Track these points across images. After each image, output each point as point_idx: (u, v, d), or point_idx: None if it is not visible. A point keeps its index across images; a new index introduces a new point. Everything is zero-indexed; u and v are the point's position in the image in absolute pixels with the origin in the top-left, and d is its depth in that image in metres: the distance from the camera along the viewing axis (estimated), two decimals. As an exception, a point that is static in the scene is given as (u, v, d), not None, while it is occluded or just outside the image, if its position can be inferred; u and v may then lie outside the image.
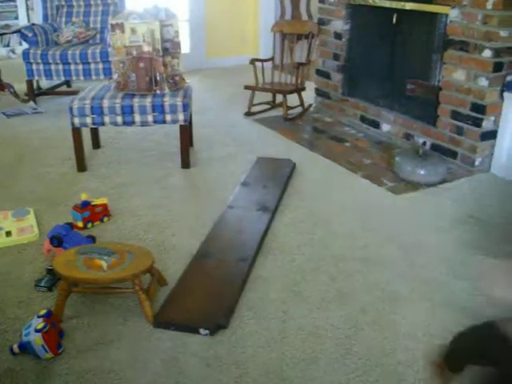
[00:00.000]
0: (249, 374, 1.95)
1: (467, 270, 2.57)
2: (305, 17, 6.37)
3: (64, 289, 2.21)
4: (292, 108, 4.92)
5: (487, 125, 3.55)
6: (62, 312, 2.22)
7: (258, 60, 4.98)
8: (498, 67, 3.43)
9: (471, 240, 2.83)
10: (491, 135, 3.60)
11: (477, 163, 3.64)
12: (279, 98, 4.96)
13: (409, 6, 3.95)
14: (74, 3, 5.55)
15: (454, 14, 3.57)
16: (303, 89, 4.89)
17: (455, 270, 2.56)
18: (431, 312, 2.28)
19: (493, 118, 3.56)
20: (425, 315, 2.26)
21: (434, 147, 3.89)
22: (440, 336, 2.12)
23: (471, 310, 2.28)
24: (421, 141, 3.97)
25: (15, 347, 2.04)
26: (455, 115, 3.70)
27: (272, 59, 5.09)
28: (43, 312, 2.08)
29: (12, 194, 3.39)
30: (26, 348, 2.02)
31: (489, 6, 3.33)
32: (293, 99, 4.94)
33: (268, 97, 5.13)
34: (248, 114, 4.90)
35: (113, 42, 3.57)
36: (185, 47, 6.70)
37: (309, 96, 5.13)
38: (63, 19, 5.54)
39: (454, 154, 3.75)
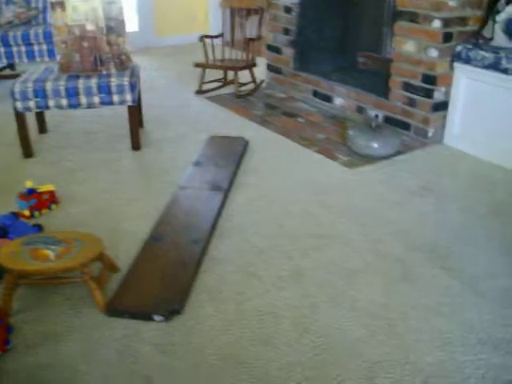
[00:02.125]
0: (206, 360, 1.90)
1: (423, 242, 2.57)
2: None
3: (10, 282, 2.11)
4: (244, 85, 4.84)
5: (438, 96, 3.56)
6: (9, 306, 2.13)
7: (207, 36, 4.86)
8: (447, 38, 3.42)
9: (426, 212, 2.84)
10: (443, 106, 3.61)
11: (430, 134, 3.64)
12: (230, 74, 4.88)
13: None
14: (13, -18, 5.32)
15: (402, -16, 3.54)
16: (254, 65, 4.82)
17: (411, 244, 2.56)
18: (388, 287, 2.27)
19: (444, 89, 3.56)
20: (381, 290, 2.25)
21: (387, 120, 3.88)
22: (398, 310, 2.12)
23: (426, 280, 2.29)
24: (373, 114, 3.96)
25: (-40, 345, 1.95)
26: (407, 87, 3.69)
27: (222, 35, 4.99)
28: (-12, 307, 1.99)
29: (-46, 184, 3.25)
30: (-29, 346, 1.93)
31: (436, -25, 3.31)
32: (244, 76, 4.87)
33: (219, 74, 5.04)
34: (199, 92, 4.80)
35: (54, 20, 3.43)
36: (133, 25, 6.53)
37: (260, 72, 5.07)
38: (2, -1, 5.30)
39: (407, 126, 3.75)
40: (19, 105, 3.44)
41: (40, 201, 2.85)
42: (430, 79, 3.53)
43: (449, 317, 2.09)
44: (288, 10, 4.59)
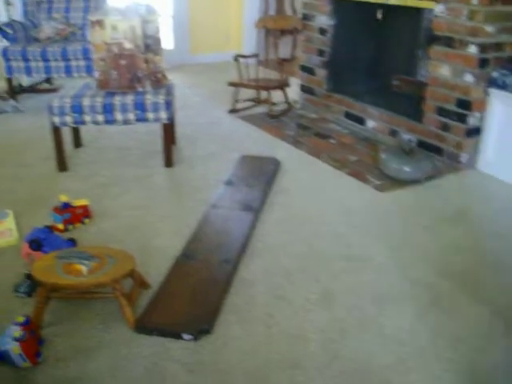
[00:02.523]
0: (234, 381, 1.90)
1: (454, 269, 2.54)
2: (289, 12, 6.31)
3: (43, 295, 2.15)
4: (277, 104, 4.87)
5: (473, 121, 3.53)
6: (41, 319, 2.16)
7: (242, 56, 4.92)
8: (483, 63, 3.41)
9: (457, 238, 2.81)
10: (477, 131, 3.58)
11: (463, 160, 3.61)
12: (264, 94, 4.91)
13: (392, 0, 3.90)
14: (55, -1, 5.46)
15: (439, 9, 3.54)
16: (288, 85, 4.85)
17: (442, 270, 2.53)
18: (417, 314, 2.24)
19: (478, 115, 3.54)
20: (411, 317, 2.22)
21: (420, 144, 3.86)
22: (427, 339, 2.09)
23: (457, 309, 2.26)
24: (406, 137, 3.94)
25: (-8, 356, 1.98)
26: (441, 111, 3.68)
27: (256, 55, 5.03)
28: (21, 319, 2.01)
29: (-9, 195, 3.32)
30: (3, 357, 1.96)
31: (474, 1, 3.30)
32: (277, 96, 4.90)
33: (252, 93, 5.08)
34: (232, 111, 4.84)
35: (93, 39, 3.50)
36: (168, 43, 6.63)
37: (293, 92, 5.09)
38: (43, 15, 5.44)
39: (439, 151, 3.73)
40: (56, 119, 3.52)
41: (74, 215, 2.90)
42: (464, 104, 3.51)
43: (479, 348, 2.05)
44: (323, 31, 4.62)
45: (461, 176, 3.55)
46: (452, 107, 3.59)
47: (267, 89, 4.66)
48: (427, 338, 2.10)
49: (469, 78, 3.45)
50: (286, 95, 4.87)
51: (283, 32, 5.08)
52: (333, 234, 2.85)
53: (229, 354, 2.03)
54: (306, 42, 4.86)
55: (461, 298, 2.33)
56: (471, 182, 3.47)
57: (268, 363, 1.98)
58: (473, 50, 3.38)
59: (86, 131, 4.14)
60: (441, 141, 3.71)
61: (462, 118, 3.54)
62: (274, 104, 4.78)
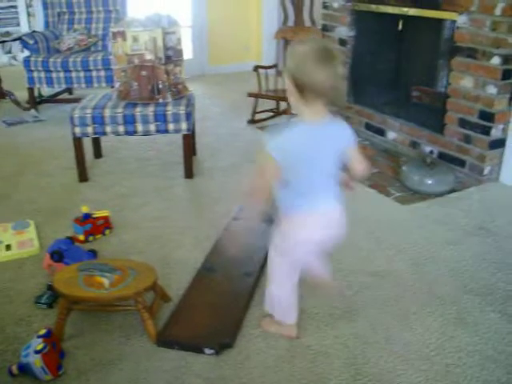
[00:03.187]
0: (256, 397, 1.88)
1: (480, 284, 2.49)
2: (308, 23, 6.30)
3: (64, 307, 2.14)
4: (296, 115, 4.84)
5: (496, 133, 3.49)
6: (62, 331, 2.16)
7: (261, 67, 4.91)
8: (506, 74, 3.36)
9: (482, 253, 2.76)
10: (500, 143, 3.54)
11: (486, 172, 3.57)
12: (283, 105, 4.90)
13: (412, 11, 3.88)
14: (76, 10, 5.50)
15: (461, 20, 3.50)
16: (307, 96, 4.82)
17: (467, 285, 2.49)
18: (443, 329, 2.20)
19: (501, 126, 3.49)
20: (436, 333, 2.18)
21: (441, 156, 3.82)
22: (453, 356, 2.05)
23: (484, 327, 2.21)
24: (428, 149, 3.90)
25: (14, 368, 1.97)
26: (463, 123, 3.63)
27: (275, 66, 5.03)
28: (43, 332, 2.01)
29: (12, 205, 3.34)
30: (25, 369, 1.96)
31: (497, 12, 3.26)
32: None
33: (272, 104, 5.07)
34: (251, 121, 4.84)
35: (114, 50, 3.51)
36: (187, 53, 6.66)
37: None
38: (64, 26, 5.49)
39: (462, 163, 3.68)
40: (77, 130, 3.53)
41: (95, 226, 2.90)
42: (487, 116, 3.47)
43: (507, 366, 2.01)
44: (343, 42, 4.61)
45: (483, 189, 3.51)
46: (474, 119, 3.55)
47: (287, 100, 4.63)
48: (454, 355, 2.06)
49: (492, 89, 3.41)
50: (305, 106, 4.85)
51: (303, 43, 5.06)
52: (355, 247, 2.82)
53: (251, 369, 2.00)
54: (326, 52, 4.84)
55: (489, 314, 2.29)
56: (494, 195, 3.42)
57: (291, 379, 1.96)
58: (496, 61, 3.34)
59: (105, 141, 4.15)
60: (463, 153, 3.67)
61: (484, 130, 3.50)
62: (293, 115, 4.76)
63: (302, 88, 1.72)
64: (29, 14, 7.33)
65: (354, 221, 3.08)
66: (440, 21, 3.79)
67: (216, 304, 2.31)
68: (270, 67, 5.01)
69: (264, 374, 1.98)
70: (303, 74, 1.70)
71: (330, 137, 1.85)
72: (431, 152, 3.88)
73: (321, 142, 1.83)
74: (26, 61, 4.96)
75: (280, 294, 2.11)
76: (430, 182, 3.39)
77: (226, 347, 2.09)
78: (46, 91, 5.66)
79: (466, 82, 3.57)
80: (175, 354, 2.08)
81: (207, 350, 2.06)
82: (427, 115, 4.06)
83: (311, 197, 1.91)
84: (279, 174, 1.85)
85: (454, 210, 3.22)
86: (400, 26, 4.24)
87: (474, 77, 3.51)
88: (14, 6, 7.40)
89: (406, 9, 3.93)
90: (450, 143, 3.76)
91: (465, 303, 2.36)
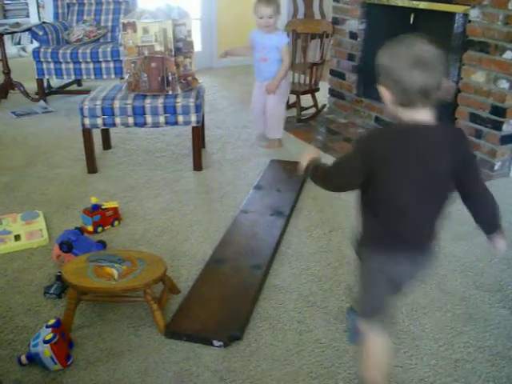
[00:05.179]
0: (264, 390, 1.88)
1: (489, 280, 2.48)
2: (317, 16, 6.28)
3: (73, 297, 2.14)
4: (306, 109, 4.84)
5: (507, 128, 3.46)
6: (71, 321, 2.16)
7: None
8: (519, 69, 3.34)
9: (493, 248, 2.74)
10: (511, 139, 3.51)
11: (496, 167, 3.54)
12: (292, 98, 4.88)
13: (423, 5, 3.85)
14: (85, 1, 5.49)
15: (474, 13, 3.47)
16: (317, 89, 4.81)
17: (476, 281, 2.47)
18: (452, 325, 2.19)
19: (513, 122, 3.47)
20: (446, 328, 2.17)
21: (452, 150, 3.79)
22: (462, 352, 2.04)
23: (494, 323, 2.20)
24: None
25: (23, 358, 1.98)
26: (474, 118, 3.61)
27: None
28: (52, 322, 2.01)
29: (21, 195, 3.34)
30: (34, 359, 1.96)
31: (510, 6, 3.23)
32: (306, 100, 4.86)
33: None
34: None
35: (124, 41, 3.50)
36: (196, 45, 6.63)
37: (323, 97, 5.05)
38: (74, 17, 5.48)
39: (472, 158, 3.66)
40: (87, 121, 3.53)
41: (104, 217, 2.90)
42: (499, 111, 3.44)
43: (518, 362, 2.00)
44: (353, 35, 4.58)
45: (494, 184, 3.47)
46: (486, 114, 3.52)
47: (297, 93, 4.63)
48: (463, 351, 2.05)
49: (504, 84, 3.38)
50: (315, 100, 4.84)
51: (312, 36, 5.04)
52: (364, 241, 2.81)
53: (259, 362, 2.00)
54: (336, 46, 4.83)
55: (498, 310, 2.27)
56: (505, 191, 3.40)
57: (299, 372, 1.96)
58: (508, 55, 3.31)
59: (114, 133, 4.15)
60: (474, 148, 3.64)
61: (496, 125, 3.47)
62: (302, 108, 4.74)
63: None
64: (38, 5, 7.32)
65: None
66: (452, 14, 3.75)
67: (225, 296, 2.31)
68: (279, 60, 4.97)
69: (272, 366, 1.98)
70: None
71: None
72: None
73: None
74: (36, 52, 4.95)
75: None
76: (440, 176, 3.37)
77: (235, 339, 2.09)
78: (55, 82, 5.65)
79: (478, 77, 3.54)
80: (184, 345, 2.08)
81: (216, 342, 2.06)
82: (438, 110, 4.03)
83: None
84: None
85: (464, 206, 3.19)
86: (411, 20, 4.21)
87: (486, 71, 3.48)
88: (24, -3, 7.40)
89: (417, 2, 3.90)
90: (460, 138, 3.73)
91: (474, 299, 2.35)
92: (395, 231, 1.60)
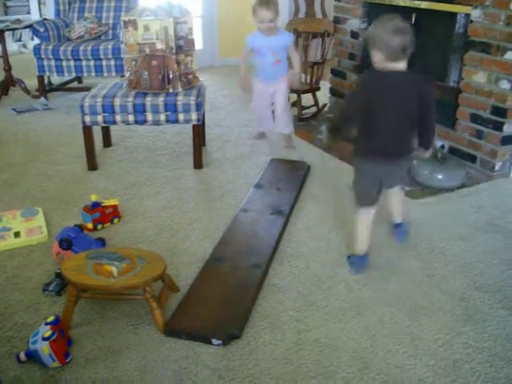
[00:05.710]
0: (263, 389, 1.88)
1: (489, 281, 2.48)
2: (319, 15, 6.26)
3: (72, 295, 2.14)
4: (306, 108, 4.83)
5: (508, 129, 3.45)
6: (70, 319, 2.16)
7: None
8: (520, 70, 3.33)
9: (493, 249, 2.74)
10: (512, 139, 3.51)
11: (497, 168, 3.54)
12: (293, 97, 4.87)
13: (424, 4, 3.84)
14: (87, -2, 5.49)
15: (475, 14, 3.47)
16: (318, 88, 4.80)
17: (476, 282, 2.47)
18: (452, 325, 2.19)
19: (514, 122, 3.46)
20: (445, 329, 2.17)
21: (452, 151, 3.79)
22: (461, 352, 2.04)
23: (493, 324, 2.20)
24: (439, 144, 3.88)
25: (22, 355, 1.98)
26: (475, 118, 3.61)
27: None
28: (51, 319, 2.02)
29: (21, 192, 3.34)
30: (32, 356, 1.96)
31: (513, 6, 3.23)
32: (307, 99, 4.86)
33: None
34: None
35: (125, 39, 3.50)
36: (197, 44, 6.62)
37: (323, 96, 5.04)
38: (75, 15, 5.48)
39: (473, 158, 3.66)
40: (87, 119, 3.53)
41: (103, 214, 2.89)
42: (500, 112, 3.44)
43: (517, 363, 2.00)
44: (354, 34, 4.57)
45: (494, 184, 3.48)
46: (487, 114, 3.52)
47: (297, 92, 4.62)
48: (463, 351, 2.05)
49: (505, 84, 3.37)
50: (315, 99, 4.83)
51: (314, 35, 5.04)
52: (363, 240, 2.81)
53: (258, 360, 2.00)
54: (337, 45, 4.82)
55: (498, 311, 2.27)
56: (505, 191, 3.40)
57: (298, 371, 1.96)
58: (510, 56, 3.30)
59: (114, 130, 4.15)
60: (474, 148, 3.64)
61: (497, 126, 3.47)
62: (303, 107, 4.74)
63: None
64: (40, 2, 7.32)
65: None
66: (453, 14, 3.74)
67: (224, 295, 2.31)
68: (280, 59, 4.97)
69: (271, 365, 1.98)
70: None
71: None
72: (442, 147, 3.85)
73: None
74: (37, 49, 4.95)
75: None
76: (440, 176, 3.37)
77: (234, 338, 2.09)
78: (56, 79, 5.65)
79: (479, 77, 3.54)
80: (183, 343, 2.08)
81: (215, 341, 2.06)
82: (439, 110, 4.01)
83: None
84: None
85: (464, 206, 3.20)
86: (413, 20, 4.20)
87: (487, 72, 3.47)
88: (25, -6, 7.39)
89: (418, 2, 3.89)
90: (461, 138, 3.73)
91: (474, 299, 2.35)
92: (375, 146, 2.35)
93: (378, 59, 2.27)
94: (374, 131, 2.32)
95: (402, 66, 2.28)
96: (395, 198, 2.65)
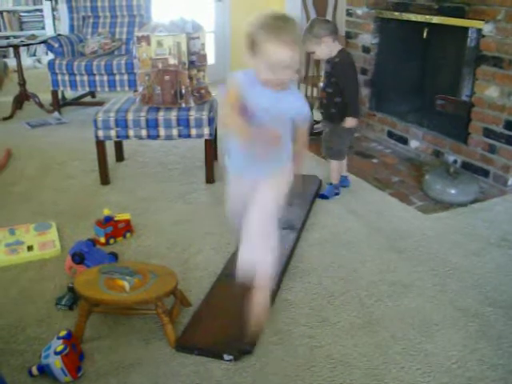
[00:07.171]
0: (275, 405, 1.87)
1: (503, 297, 2.46)
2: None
3: (84, 309, 2.15)
4: (318, 122, 4.83)
5: (521, 143, 3.44)
6: (82, 333, 2.16)
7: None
8: (533, 84, 3.32)
9: (506, 264, 2.72)
10: (525, 154, 3.49)
11: (510, 182, 3.52)
12: (305, 111, 4.88)
13: (436, 19, 3.85)
14: (101, 14, 5.55)
15: (487, 28, 3.47)
16: (329, 103, 4.79)
17: (490, 298, 2.45)
18: (465, 342, 2.17)
19: (527, 137, 3.45)
20: (459, 345, 2.15)
21: (465, 165, 3.78)
22: (476, 369, 2.02)
23: (508, 340, 2.18)
24: (451, 158, 3.87)
25: (34, 369, 1.98)
26: (488, 133, 3.59)
27: (297, 72, 5.00)
28: (63, 333, 2.02)
29: (34, 206, 3.36)
30: (44, 371, 1.97)
31: (525, 21, 3.23)
32: (318, 114, 4.85)
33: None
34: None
35: (139, 54, 3.53)
36: (210, 58, 6.66)
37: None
38: (89, 30, 5.55)
39: (485, 173, 3.64)
40: (101, 133, 3.55)
41: (116, 229, 2.91)
42: (513, 126, 3.43)
43: (532, 381, 1.97)
44: (366, 49, 4.59)
45: (507, 200, 3.46)
46: (500, 129, 3.51)
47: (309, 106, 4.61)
48: (477, 369, 2.02)
49: (518, 99, 3.37)
50: (327, 113, 4.81)
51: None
52: (376, 256, 2.79)
53: (270, 377, 1.99)
54: (349, 60, 4.82)
55: (511, 328, 2.25)
56: (518, 206, 3.38)
57: (310, 388, 1.94)
58: (523, 71, 3.30)
59: (127, 145, 4.17)
60: (487, 163, 3.63)
61: (509, 140, 3.45)
62: (314, 122, 4.75)
63: None
64: (54, 18, 7.42)
65: (374, 228, 3.08)
66: (465, 29, 3.75)
67: (236, 310, 2.30)
68: (292, 73, 4.98)
69: (283, 382, 1.97)
70: None
71: None
72: (455, 161, 3.84)
73: None
74: (51, 63, 5.01)
75: None
76: (452, 191, 3.36)
77: (245, 354, 2.08)
78: (69, 94, 5.70)
79: (492, 92, 3.53)
80: (194, 359, 2.07)
81: (226, 356, 2.05)
82: (451, 124, 4.03)
83: None
84: None
85: (477, 221, 3.18)
86: (425, 34, 4.21)
87: (500, 86, 3.47)
88: (40, 10, 7.50)
89: (430, 16, 3.90)
90: (473, 153, 3.72)
91: (488, 316, 2.33)
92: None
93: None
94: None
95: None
96: None
